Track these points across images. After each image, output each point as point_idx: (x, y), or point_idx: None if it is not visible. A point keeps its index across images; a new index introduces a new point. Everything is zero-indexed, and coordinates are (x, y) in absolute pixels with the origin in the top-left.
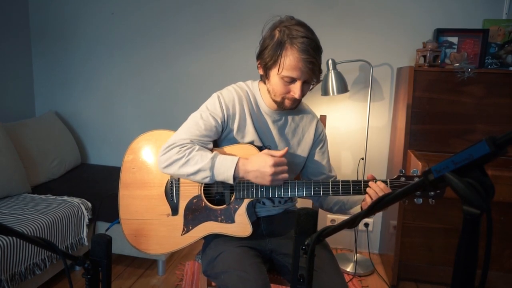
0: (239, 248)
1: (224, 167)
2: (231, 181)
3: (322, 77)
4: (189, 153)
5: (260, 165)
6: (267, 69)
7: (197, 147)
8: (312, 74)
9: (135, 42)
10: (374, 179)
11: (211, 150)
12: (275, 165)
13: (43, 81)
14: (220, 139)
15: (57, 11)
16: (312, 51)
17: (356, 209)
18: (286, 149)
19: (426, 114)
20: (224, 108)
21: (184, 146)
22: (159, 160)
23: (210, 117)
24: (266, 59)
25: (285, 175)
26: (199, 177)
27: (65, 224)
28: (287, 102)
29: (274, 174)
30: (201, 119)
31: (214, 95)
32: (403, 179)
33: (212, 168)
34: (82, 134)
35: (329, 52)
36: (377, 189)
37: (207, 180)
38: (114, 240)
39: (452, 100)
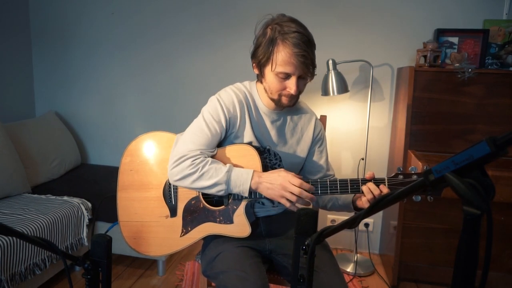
0: (238, 248)
1: (240, 180)
2: (246, 194)
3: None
4: (203, 166)
5: (275, 178)
6: (261, 67)
7: (209, 160)
8: (305, 68)
9: (135, 42)
10: (373, 178)
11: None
12: (292, 180)
13: (43, 81)
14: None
15: (57, 11)
16: (303, 45)
17: (348, 204)
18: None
19: (426, 114)
20: (226, 112)
21: (197, 159)
22: (170, 173)
23: (215, 123)
24: (260, 57)
25: (295, 198)
26: (214, 190)
27: (65, 224)
28: (284, 99)
29: (285, 189)
30: (206, 126)
31: (214, 99)
32: (401, 176)
33: (228, 182)
34: (82, 134)
35: (329, 52)
36: (372, 187)
37: (221, 193)
38: (114, 240)
39: (453, 100)
